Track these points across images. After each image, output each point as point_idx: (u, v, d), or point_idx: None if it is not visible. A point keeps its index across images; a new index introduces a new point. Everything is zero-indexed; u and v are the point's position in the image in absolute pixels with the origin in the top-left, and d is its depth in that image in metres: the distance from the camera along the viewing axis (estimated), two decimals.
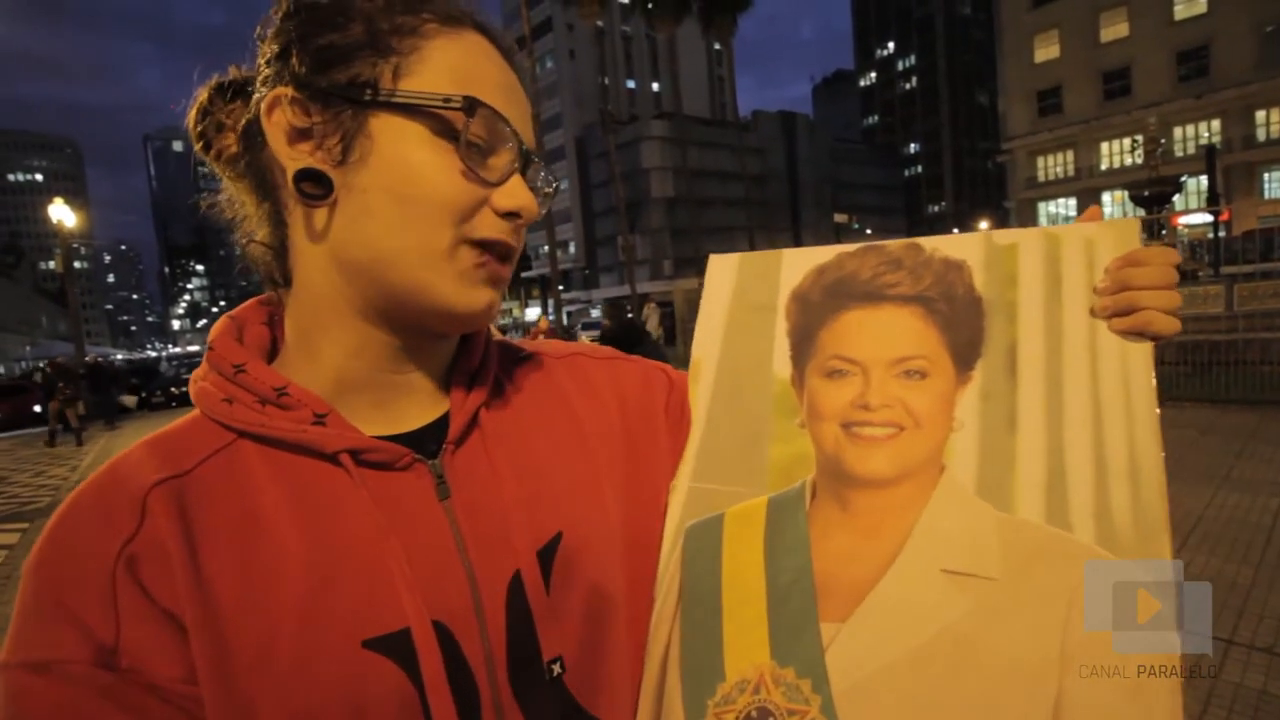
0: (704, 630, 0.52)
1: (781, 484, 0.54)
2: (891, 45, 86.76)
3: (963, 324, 0.52)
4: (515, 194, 0.46)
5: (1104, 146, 34.68)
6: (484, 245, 0.46)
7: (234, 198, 0.51)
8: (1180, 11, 31.39)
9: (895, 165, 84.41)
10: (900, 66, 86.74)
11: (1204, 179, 18.21)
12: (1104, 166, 34.78)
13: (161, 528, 0.40)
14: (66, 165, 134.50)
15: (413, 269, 0.44)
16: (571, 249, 59.61)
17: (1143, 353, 0.48)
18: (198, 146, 0.50)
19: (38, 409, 17.68)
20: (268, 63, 0.46)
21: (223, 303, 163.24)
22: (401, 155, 0.44)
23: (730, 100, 42.25)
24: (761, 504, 0.54)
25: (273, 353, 0.51)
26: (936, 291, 0.53)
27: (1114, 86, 33.81)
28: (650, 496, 0.58)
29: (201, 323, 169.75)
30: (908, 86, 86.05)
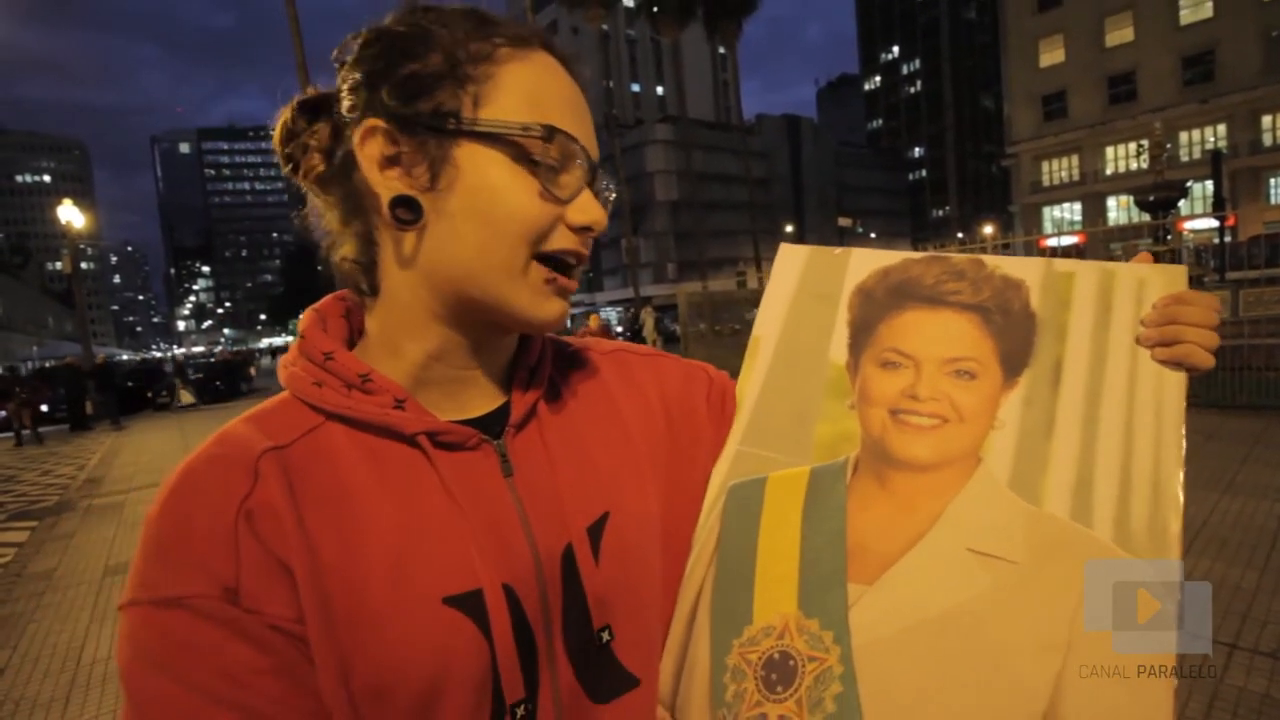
0: (737, 578, 0.56)
1: (825, 458, 0.58)
2: (896, 49, 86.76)
3: (1015, 336, 0.56)
4: (587, 209, 0.50)
5: (1109, 151, 34.59)
6: (558, 258, 0.50)
7: (320, 212, 0.54)
8: (1186, 16, 31.31)
9: (900, 169, 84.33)
10: (905, 70, 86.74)
11: (1210, 184, 18.19)
12: (1109, 171, 34.68)
13: (272, 489, 0.45)
14: (74, 167, 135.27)
15: (495, 285, 0.48)
16: None
17: (1177, 382, 0.52)
18: (286, 169, 0.53)
19: (44, 408, 17.82)
20: (351, 89, 0.49)
21: (228, 304, 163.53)
22: (485, 181, 0.47)
23: (735, 103, 42.26)
24: (804, 472, 0.58)
25: (350, 342, 0.55)
26: (994, 303, 0.57)
27: (1119, 91, 33.73)
28: (690, 483, 0.62)
29: (207, 324, 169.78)
30: (912, 90, 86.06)
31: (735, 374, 0.68)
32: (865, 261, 0.63)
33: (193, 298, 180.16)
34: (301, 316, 0.55)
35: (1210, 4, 30.52)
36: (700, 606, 0.57)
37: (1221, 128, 30.98)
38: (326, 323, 0.55)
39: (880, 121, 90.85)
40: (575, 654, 0.51)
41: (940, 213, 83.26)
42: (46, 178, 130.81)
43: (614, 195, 0.57)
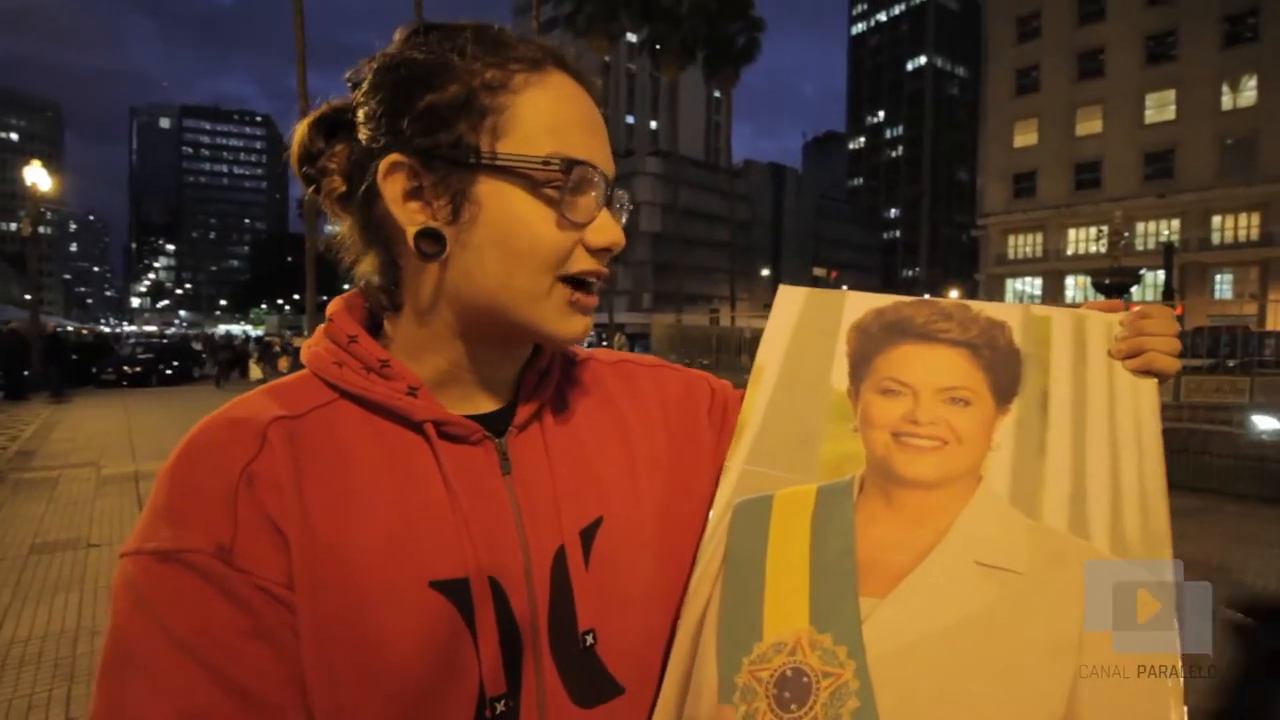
0: (745, 595, 0.56)
1: (831, 476, 0.59)
2: (882, 114, 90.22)
3: (1003, 368, 0.60)
4: (605, 230, 0.52)
5: (1071, 233, 36.39)
6: (579, 278, 0.52)
7: (342, 235, 0.55)
8: (1151, 115, 33.48)
9: (875, 227, 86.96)
10: (888, 134, 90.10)
11: (1161, 274, 19.23)
12: (1070, 251, 36.44)
13: (277, 455, 0.47)
14: (45, 128, 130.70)
15: (521, 308, 0.51)
16: None
17: (1149, 389, 0.57)
18: (308, 190, 0.54)
19: None
20: (371, 118, 0.50)
21: (188, 285, 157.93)
22: (506, 213, 0.48)
23: (725, 145, 43.25)
24: (811, 490, 0.59)
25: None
26: (981, 340, 0.61)
27: (1085, 178, 35.69)
28: (690, 492, 0.62)
29: (163, 303, 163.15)
30: (894, 154, 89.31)
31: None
32: (860, 302, 0.67)
33: (152, 275, 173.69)
34: (330, 304, 0.57)
35: (1173, 107, 32.69)
36: (706, 624, 0.56)
37: (1176, 222, 32.92)
38: (352, 313, 0.56)
39: (861, 180, 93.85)
40: (560, 655, 0.52)
41: (910, 273, 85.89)
42: (14, 135, 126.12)
43: (630, 208, 0.57)
